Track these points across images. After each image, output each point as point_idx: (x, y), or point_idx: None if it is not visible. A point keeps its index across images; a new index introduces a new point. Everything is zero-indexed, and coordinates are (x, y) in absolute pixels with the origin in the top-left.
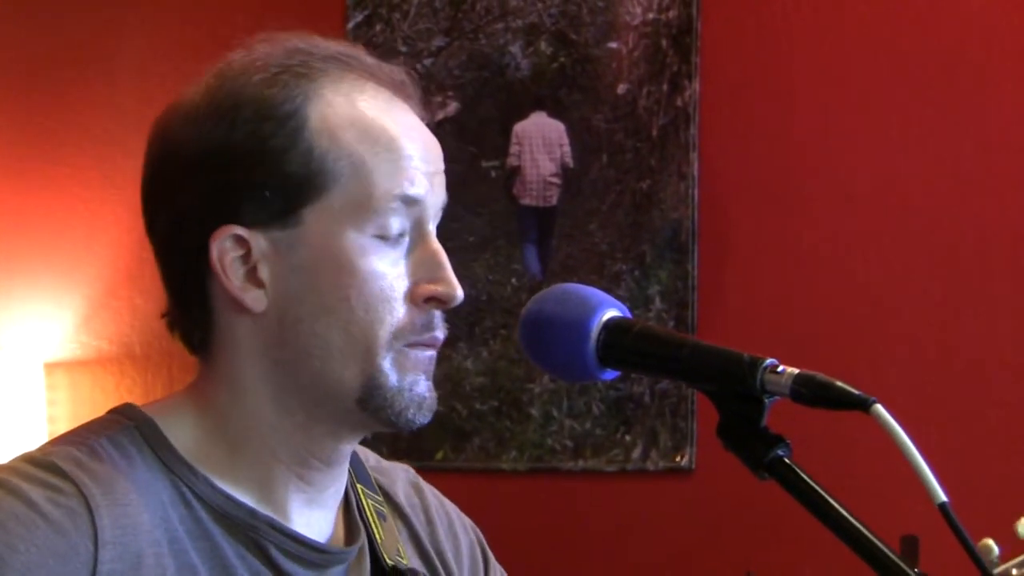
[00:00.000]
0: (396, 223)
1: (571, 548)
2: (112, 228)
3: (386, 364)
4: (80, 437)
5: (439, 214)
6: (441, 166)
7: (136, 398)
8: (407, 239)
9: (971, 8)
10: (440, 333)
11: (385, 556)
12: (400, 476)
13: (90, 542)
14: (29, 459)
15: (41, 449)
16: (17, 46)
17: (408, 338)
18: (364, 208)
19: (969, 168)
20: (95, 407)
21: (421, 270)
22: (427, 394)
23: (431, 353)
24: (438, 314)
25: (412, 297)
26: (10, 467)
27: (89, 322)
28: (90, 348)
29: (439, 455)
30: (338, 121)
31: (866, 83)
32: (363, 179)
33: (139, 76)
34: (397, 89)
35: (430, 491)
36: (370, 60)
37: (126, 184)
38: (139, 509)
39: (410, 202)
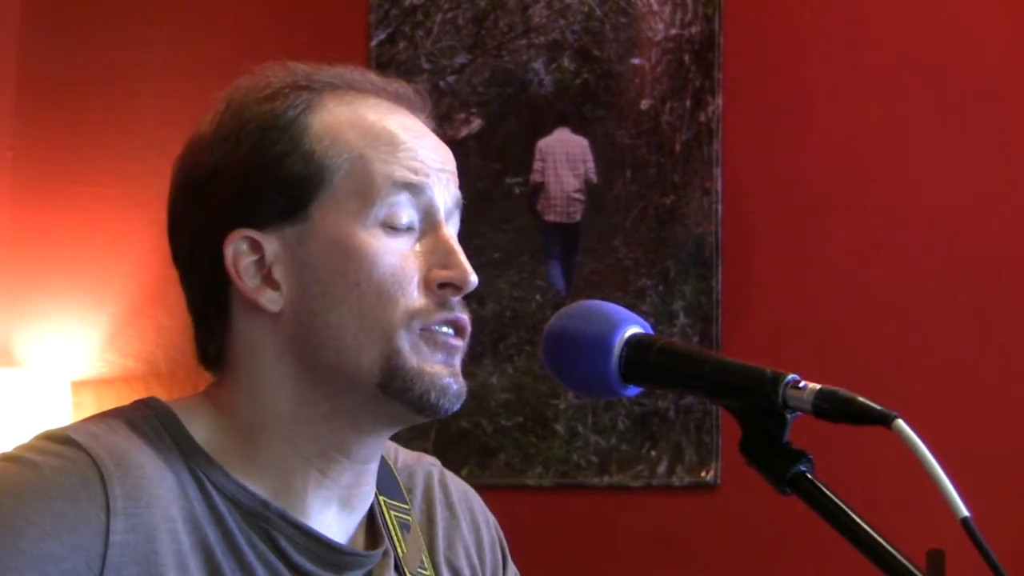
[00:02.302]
0: (403, 213)
1: (597, 564)
2: (137, 246)
3: (405, 346)
4: (100, 418)
5: (455, 213)
6: (449, 167)
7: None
8: (417, 230)
9: (991, 20)
10: (461, 313)
11: (407, 571)
12: (427, 472)
13: (102, 511)
14: (45, 435)
15: (60, 427)
16: (41, 66)
17: (426, 320)
18: (366, 196)
19: (991, 179)
20: None
21: (433, 258)
22: (449, 380)
23: (454, 341)
24: (454, 298)
25: (426, 283)
26: (26, 444)
27: (115, 340)
28: (116, 366)
29: (465, 471)
30: (338, 124)
31: (888, 96)
32: (363, 169)
33: (163, 95)
34: (401, 100)
35: (455, 486)
36: (374, 77)
37: (150, 203)
38: (154, 483)
39: (413, 190)
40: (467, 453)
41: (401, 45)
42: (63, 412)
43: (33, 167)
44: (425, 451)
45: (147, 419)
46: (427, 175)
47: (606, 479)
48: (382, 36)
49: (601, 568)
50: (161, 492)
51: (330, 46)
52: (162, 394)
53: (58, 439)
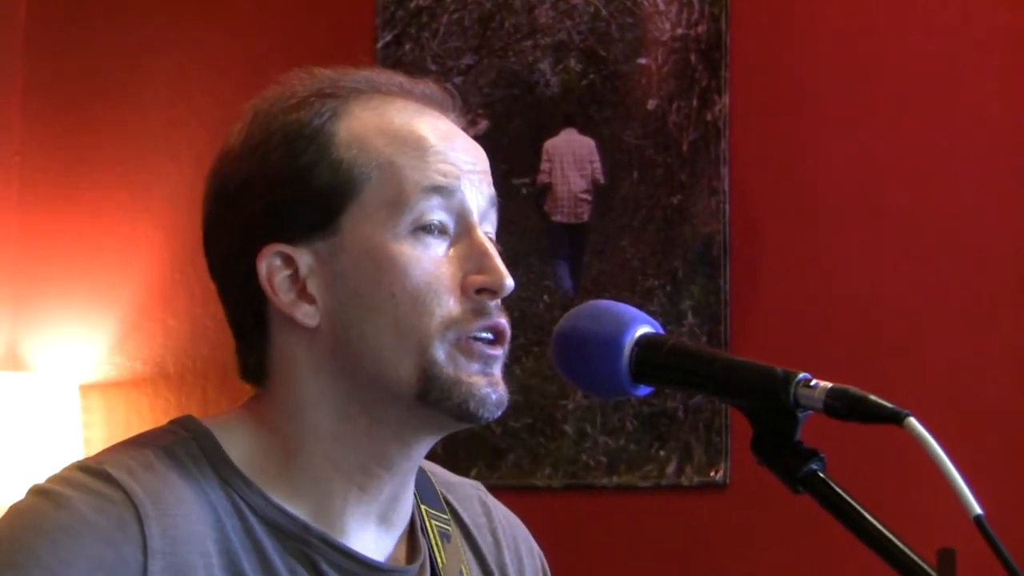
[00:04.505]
0: (434, 216)
1: (606, 564)
2: (144, 250)
3: (440, 355)
4: (136, 446)
5: (491, 214)
6: (483, 166)
7: (172, 418)
8: (451, 234)
9: (1000, 19)
10: (500, 318)
11: None
12: (469, 493)
13: (139, 551)
14: (82, 467)
15: (96, 457)
16: (47, 71)
17: (464, 328)
18: (397, 205)
19: (1000, 178)
20: (130, 428)
21: (468, 263)
22: (487, 390)
23: (491, 351)
24: (492, 303)
25: (462, 289)
26: (61, 476)
27: (123, 344)
28: (124, 369)
29: (474, 472)
30: (365, 131)
31: (895, 95)
32: (392, 177)
33: (169, 100)
34: (428, 101)
35: (499, 511)
36: (401, 79)
37: (158, 207)
38: (190, 519)
39: (444, 194)
40: (476, 454)
41: (407, 47)
42: (72, 416)
43: (40, 172)
44: (434, 452)
45: (184, 444)
46: (458, 177)
47: (615, 479)
48: (388, 38)
49: (610, 568)
50: (197, 528)
51: (336, 48)
52: (171, 396)
53: (94, 473)
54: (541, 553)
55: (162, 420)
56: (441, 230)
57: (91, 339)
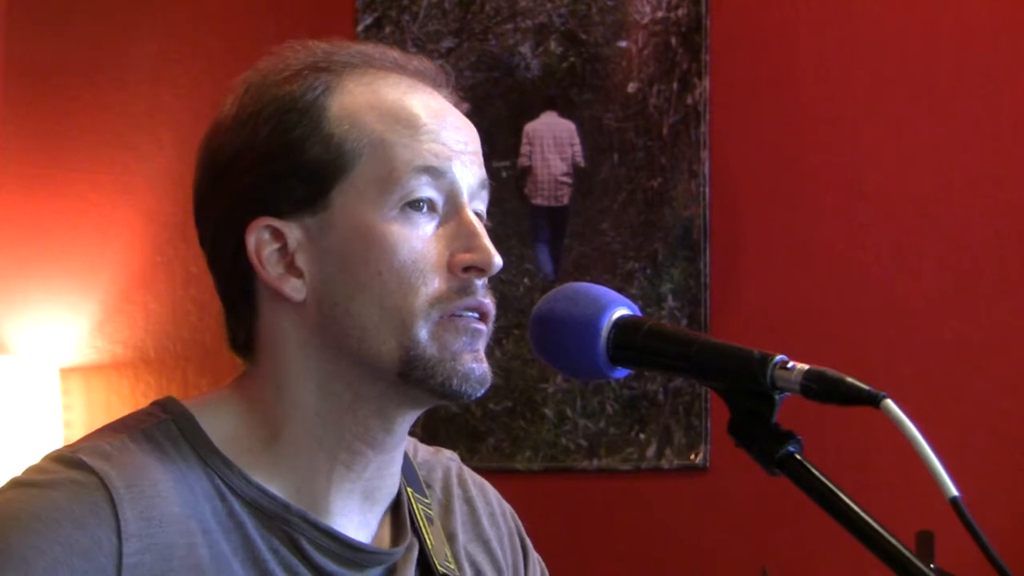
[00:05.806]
0: (424, 195)
1: (586, 547)
2: (126, 233)
3: (423, 334)
4: (112, 431)
5: (481, 193)
6: (473, 147)
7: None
8: (440, 214)
9: (979, 1)
10: (484, 298)
11: (436, 562)
12: (445, 466)
13: (113, 535)
14: (56, 457)
15: (72, 445)
16: (29, 53)
17: (448, 306)
18: (387, 183)
19: (980, 162)
20: (110, 412)
21: (456, 241)
22: (473, 366)
23: (477, 325)
24: (478, 282)
25: (449, 267)
26: (36, 467)
27: (103, 327)
28: (105, 353)
29: None
30: (357, 107)
31: (876, 79)
32: (384, 155)
33: (151, 81)
34: (421, 77)
35: (472, 480)
36: (396, 54)
37: (139, 189)
38: (168, 501)
39: (435, 174)
40: (456, 437)
41: (388, 30)
42: (52, 399)
43: (21, 154)
44: (414, 435)
45: (163, 427)
46: (449, 158)
47: (595, 463)
48: (368, 21)
49: (591, 552)
50: (176, 508)
51: (317, 31)
52: (151, 380)
53: (68, 461)
54: (515, 514)
55: (143, 404)
56: (430, 206)
57: (72, 322)
